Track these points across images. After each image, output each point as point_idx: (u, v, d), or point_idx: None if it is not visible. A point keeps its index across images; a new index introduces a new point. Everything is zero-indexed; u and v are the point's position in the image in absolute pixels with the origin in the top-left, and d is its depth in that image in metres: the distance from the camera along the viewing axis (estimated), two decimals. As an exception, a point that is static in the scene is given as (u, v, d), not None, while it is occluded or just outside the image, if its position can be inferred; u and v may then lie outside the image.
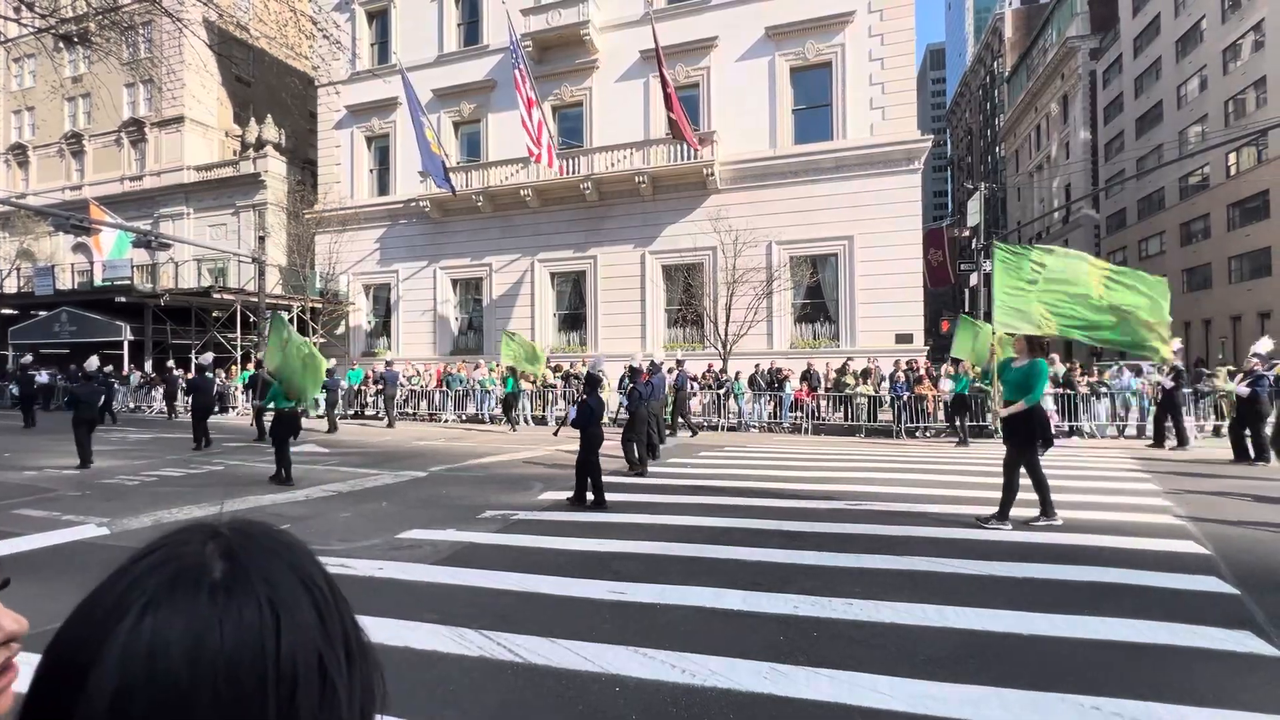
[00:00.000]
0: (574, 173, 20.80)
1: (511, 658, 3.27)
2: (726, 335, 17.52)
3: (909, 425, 14.46)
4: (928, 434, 14.52)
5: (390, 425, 16.39)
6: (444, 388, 18.47)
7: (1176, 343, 10.87)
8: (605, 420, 8.55)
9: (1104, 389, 14.25)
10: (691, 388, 15.40)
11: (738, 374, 16.43)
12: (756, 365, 16.91)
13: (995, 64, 67.01)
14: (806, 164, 19.00)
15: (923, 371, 15.48)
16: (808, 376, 15.99)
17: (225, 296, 22.06)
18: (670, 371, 15.07)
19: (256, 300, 21.23)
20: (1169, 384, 11.62)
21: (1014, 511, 5.93)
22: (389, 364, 18.48)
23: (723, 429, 15.78)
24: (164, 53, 27.12)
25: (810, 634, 3.59)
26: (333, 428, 15.25)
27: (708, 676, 3.06)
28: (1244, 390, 9.79)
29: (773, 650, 3.37)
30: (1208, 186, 33.55)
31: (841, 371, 15.93)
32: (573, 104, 22.06)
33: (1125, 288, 6.43)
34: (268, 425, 10.29)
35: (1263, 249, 29.46)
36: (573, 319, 22.15)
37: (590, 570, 4.71)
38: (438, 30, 23.74)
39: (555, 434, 12.00)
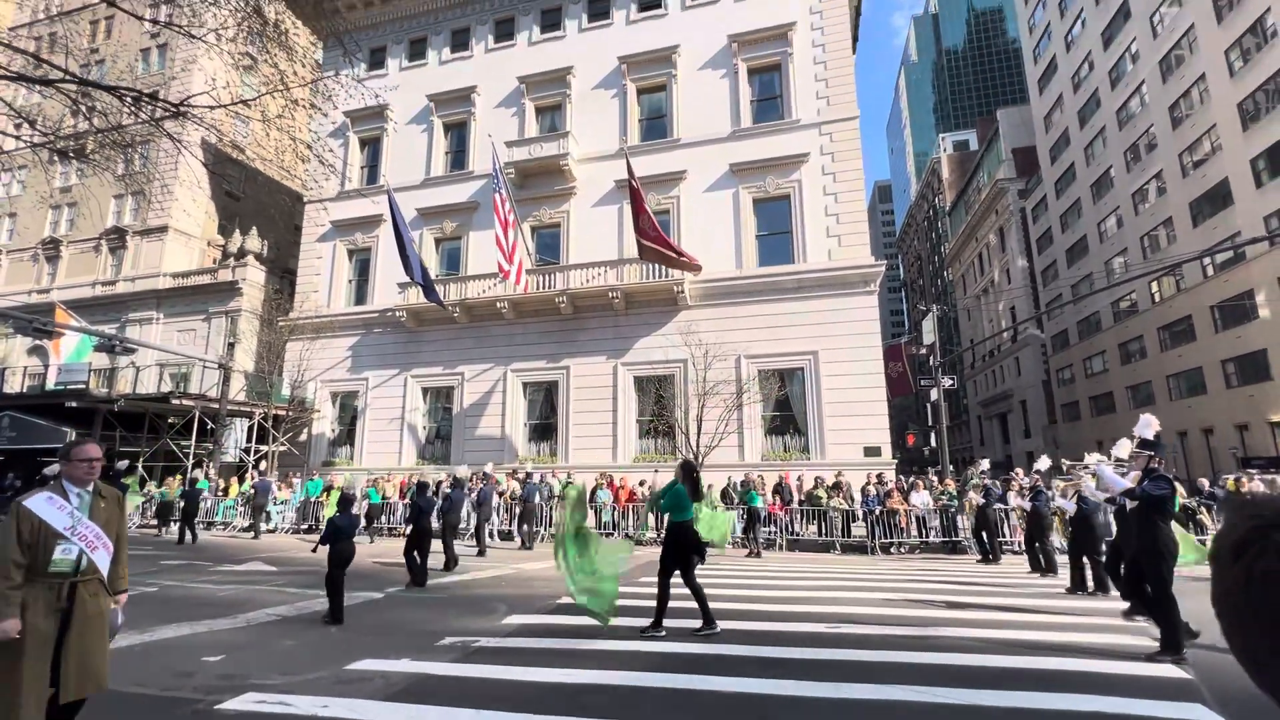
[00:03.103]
0: (550, 287, 21.61)
1: (467, 813, 2.94)
2: (698, 447, 17.52)
3: (883, 540, 14.28)
4: (902, 549, 14.33)
5: (255, 537, 16.85)
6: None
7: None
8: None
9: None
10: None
11: (710, 486, 16.23)
12: (729, 478, 16.82)
13: (936, 199, 74.00)
14: (770, 284, 20.14)
15: (892, 485, 15.53)
16: (780, 490, 15.83)
17: (185, 403, 21.40)
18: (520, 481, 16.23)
19: (217, 407, 20.69)
20: (980, 500, 12.34)
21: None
22: (261, 474, 20.09)
23: (695, 544, 15.30)
24: (159, 168, 28.16)
25: (793, 777, 3.33)
26: (183, 539, 15.11)
27: (684, 831, 2.78)
28: (1070, 507, 9.21)
29: (753, 797, 3.11)
30: (1137, 311, 36.35)
31: (815, 486, 15.86)
32: (551, 225, 23.37)
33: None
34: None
35: (1195, 369, 31.48)
36: (543, 429, 21.98)
37: (557, 706, 4.36)
38: (426, 157, 25.42)
39: (314, 550, 11.67)
